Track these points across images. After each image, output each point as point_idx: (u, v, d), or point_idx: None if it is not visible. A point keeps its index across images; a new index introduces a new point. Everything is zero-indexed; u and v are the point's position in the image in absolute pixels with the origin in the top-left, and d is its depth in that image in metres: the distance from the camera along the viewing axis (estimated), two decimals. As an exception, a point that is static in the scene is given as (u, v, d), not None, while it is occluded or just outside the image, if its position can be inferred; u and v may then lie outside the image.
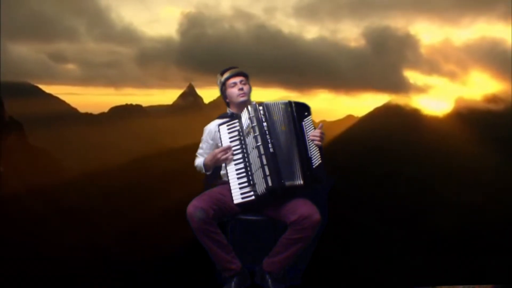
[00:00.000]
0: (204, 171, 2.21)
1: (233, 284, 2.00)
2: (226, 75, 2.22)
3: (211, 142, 2.25)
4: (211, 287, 2.14)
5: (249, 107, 2.00)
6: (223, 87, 2.23)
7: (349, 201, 28.89)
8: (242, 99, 2.18)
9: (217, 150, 2.08)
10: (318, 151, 2.00)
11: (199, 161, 2.25)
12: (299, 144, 1.98)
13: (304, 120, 2.03)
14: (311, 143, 2.00)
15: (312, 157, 1.98)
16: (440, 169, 35.84)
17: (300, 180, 1.93)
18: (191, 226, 1.93)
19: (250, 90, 2.23)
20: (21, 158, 32.94)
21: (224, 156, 2.04)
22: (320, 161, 1.99)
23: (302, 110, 2.04)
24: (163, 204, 30.75)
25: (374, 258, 25.15)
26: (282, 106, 2.01)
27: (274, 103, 2.02)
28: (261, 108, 1.99)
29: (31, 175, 32.24)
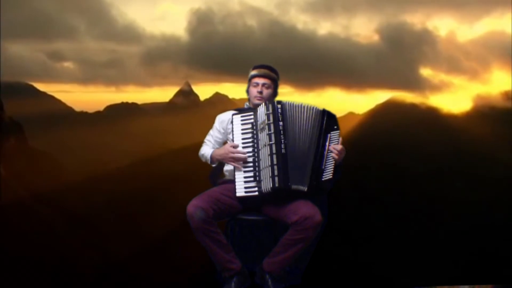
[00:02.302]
0: (209, 162, 2.20)
1: (233, 284, 2.00)
2: (254, 72, 2.21)
3: (222, 131, 2.24)
4: (211, 287, 2.14)
5: (268, 103, 1.98)
6: (249, 82, 2.23)
7: (350, 200, 28.87)
8: (256, 101, 2.16)
9: (230, 149, 2.04)
10: (333, 166, 2.00)
11: (206, 150, 2.22)
12: (317, 153, 1.97)
13: (331, 132, 2.02)
14: (329, 155, 1.99)
15: (325, 169, 1.98)
16: (456, 167, 35.57)
17: (305, 186, 1.94)
18: (191, 226, 1.93)
19: (272, 95, 2.20)
20: (22, 161, 32.78)
21: (235, 158, 2.02)
22: (331, 176, 1.99)
23: (332, 122, 2.03)
24: (167, 206, 30.58)
25: (375, 258, 25.15)
26: (313, 112, 2.00)
27: (298, 104, 2.00)
28: (279, 106, 1.97)
29: (33, 179, 32.03)
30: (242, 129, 2.04)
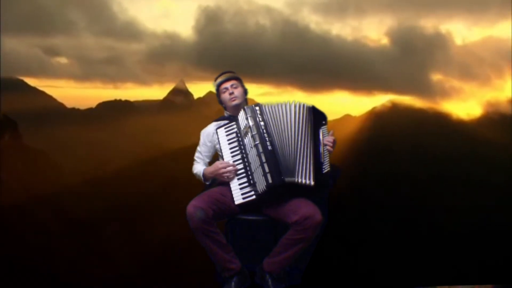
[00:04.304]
0: (203, 181, 2.22)
1: (233, 284, 2.01)
2: (218, 81, 2.28)
3: (209, 144, 2.27)
4: (211, 287, 2.14)
5: (246, 108, 2.04)
6: (218, 93, 2.28)
7: (350, 200, 28.88)
8: (233, 103, 2.22)
9: (220, 165, 2.07)
10: (328, 158, 2.06)
11: (198, 169, 2.25)
12: (315, 148, 2.01)
13: (321, 128, 2.07)
14: (324, 149, 2.04)
15: (323, 163, 2.02)
16: (458, 171, 35.65)
17: (311, 180, 1.95)
18: (190, 226, 1.94)
19: (243, 92, 2.27)
20: (17, 158, 32.46)
21: (226, 173, 2.04)
22: (329, 168, 2.04)
23: (320, 118, 2.09)
24: (166, 206, 30.43)
25: (375, 258, 25.19)
26: (298, 108, 2.03)
27: (278, 104, 2.05)
28: (257, 108, 2.03)
29: (28, 177, 31.72)
30: (228, 140, 2.08)
